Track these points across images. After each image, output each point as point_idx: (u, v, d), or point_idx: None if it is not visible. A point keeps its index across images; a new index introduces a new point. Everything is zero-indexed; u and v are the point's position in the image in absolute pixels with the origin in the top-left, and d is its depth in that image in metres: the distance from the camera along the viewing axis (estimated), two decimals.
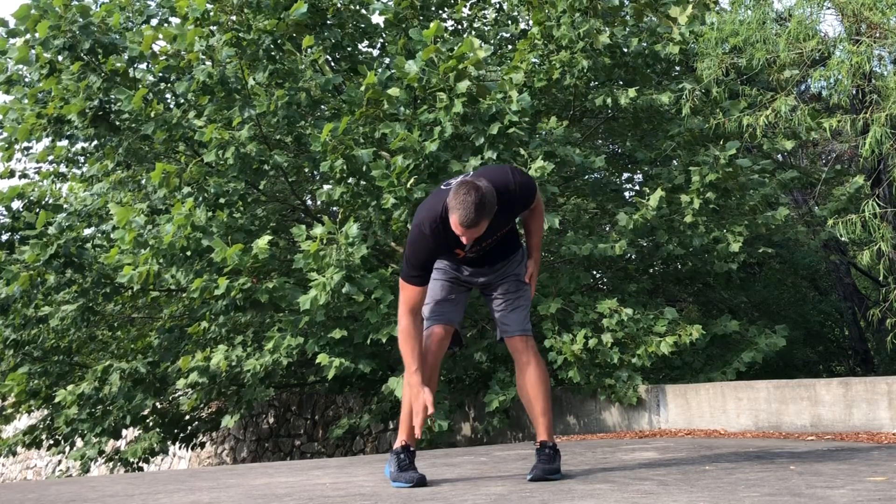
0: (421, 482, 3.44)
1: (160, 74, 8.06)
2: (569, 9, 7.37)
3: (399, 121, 7.19)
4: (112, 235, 8.42)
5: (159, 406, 9.30)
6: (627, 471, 3.68)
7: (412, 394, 3.41)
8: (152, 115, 7.75)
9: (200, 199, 7.42)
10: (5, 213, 9.67)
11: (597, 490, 3.08)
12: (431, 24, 7.08)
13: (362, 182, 7.18)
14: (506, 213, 3.42)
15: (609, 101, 7.46)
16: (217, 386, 8.02)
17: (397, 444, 3.61)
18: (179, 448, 11.66)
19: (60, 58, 7.86)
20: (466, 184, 3.18)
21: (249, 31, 7.75)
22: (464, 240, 3.24)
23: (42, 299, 8.33)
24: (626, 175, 10.36)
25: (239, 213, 7.68)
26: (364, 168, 7.06)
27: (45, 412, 9.84)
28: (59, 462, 15.03)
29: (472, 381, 8.21)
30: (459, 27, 9.93)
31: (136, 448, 9.08)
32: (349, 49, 8.91)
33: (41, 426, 9.84)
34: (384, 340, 6.69)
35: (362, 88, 7.24)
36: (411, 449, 3.59)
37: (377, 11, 8.65)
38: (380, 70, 7.42)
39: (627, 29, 7.68)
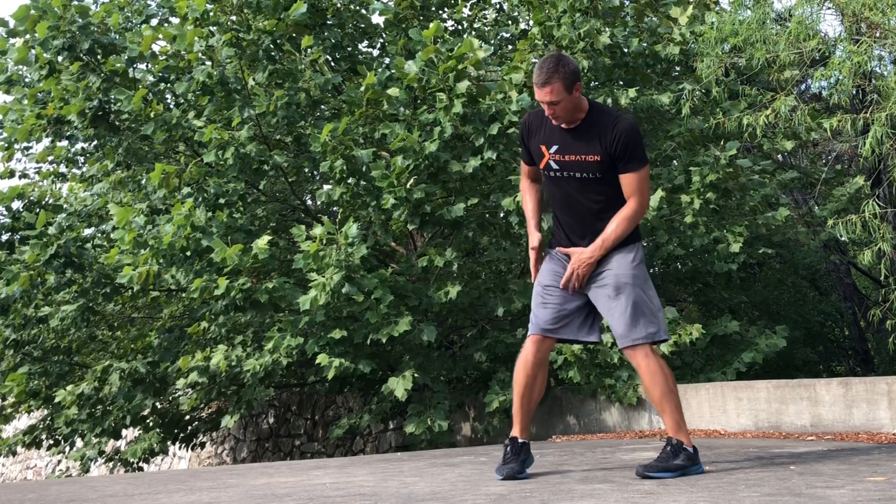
0: (510, 475, 3.47)
1: (160, 75, 8.06)
2: (569, 9, 7.36)
3: (399, 121, 7.19)
4: (112, 235, 8.43)
5: (159, 406, 9.29)
6: (627, 471, 3.68)
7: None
8: (152, 115, 7.75)
9: (200, 199, 7.42)
10: (5, 213, 9.68)
11: (597, 490, 3.08)
12: (431, 25, 7.08)
13: (362, 182, 7.18)
14: (596, 141, 3.49)
15: (609, 101, 7.46)
16: (217, 386, 8.02)
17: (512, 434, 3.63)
18: (179, 448, 11.65)
19: (60, 58, 7.86)
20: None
21: (249, 31, 7.75)
22: (545, 109, 3.47)
23: (42, 299, 8.33)
24: None
25: (239, 214, 7.68)
26: (364, 168, 7.06)
27: (45, 412, 9.84)
28: (59, 462, 15.02)
29: (472, 381, 8.20)
30: (459, 27, 9.92)
31: (136, 448, 9.07)
32: (349, 49, 8.91)
33: (41, 426, 9.84)
34: (384, 340, 6.68)
35: (362, 89, 7.24)
36: (519, 441, 3.59)
37: (377, 11, 8.65)
38: (379, 70, 7.42)
39: (627, 29, 7.68)
